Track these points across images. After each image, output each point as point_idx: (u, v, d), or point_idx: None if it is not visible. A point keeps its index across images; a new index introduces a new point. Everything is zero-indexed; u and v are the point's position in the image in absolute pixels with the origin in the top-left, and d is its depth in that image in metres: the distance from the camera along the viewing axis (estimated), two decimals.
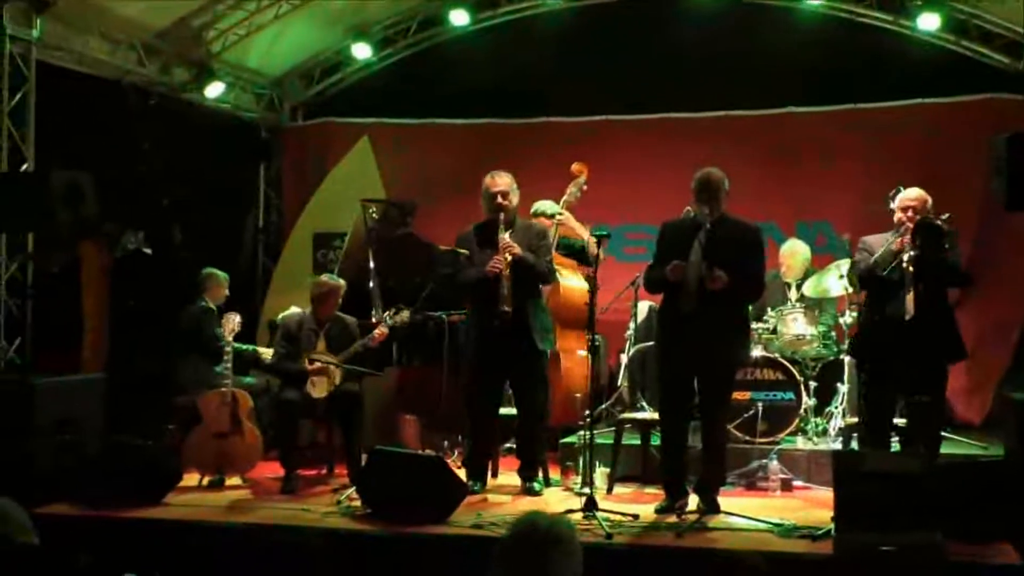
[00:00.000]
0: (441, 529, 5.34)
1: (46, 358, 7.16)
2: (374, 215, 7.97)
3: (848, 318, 6.92)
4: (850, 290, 6.62)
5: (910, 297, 5.48)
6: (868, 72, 8.61)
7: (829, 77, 8.63)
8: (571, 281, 7.32)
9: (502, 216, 6.25)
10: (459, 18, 9.28)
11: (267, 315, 8.72)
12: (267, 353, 7.50)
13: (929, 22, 8.47)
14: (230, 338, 6.81)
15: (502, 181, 6.30)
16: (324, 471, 6.99)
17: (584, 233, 7.34)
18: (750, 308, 6.20)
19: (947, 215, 5.68)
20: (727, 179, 5.77)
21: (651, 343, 6.96)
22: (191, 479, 6.55)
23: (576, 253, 7.40)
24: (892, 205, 5.97)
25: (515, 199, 6.33)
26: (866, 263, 5.72)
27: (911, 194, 5.78)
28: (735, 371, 6.01)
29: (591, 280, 5.96)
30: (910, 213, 5.67)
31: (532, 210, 7.37)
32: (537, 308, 6.38)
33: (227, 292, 7.63)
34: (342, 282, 6.88)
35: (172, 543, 5.42)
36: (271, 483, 6.65)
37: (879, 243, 5.76)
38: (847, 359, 6.89)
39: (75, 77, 7.68)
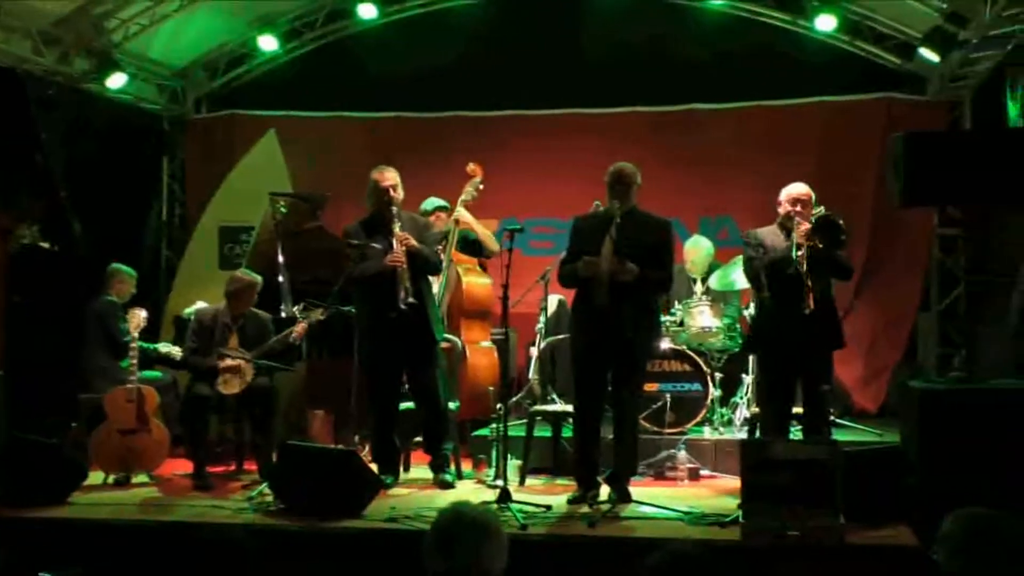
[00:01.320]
0: (356, 523, 5.34)
1: None
2: (282, 208, 7.90)
3: (752, 310, 7.11)
4: None
5: (809, 292, 5.65)
6: (768, 70, 8.83)
7: (731, 74, 8.84)
8: (472, 276, 7.41)
9: (394, 210, 6.30)
10: (367, 11, 9.23)
11: (172, 310, 8.59)
12: (171, 350, 7.39)
13: (826, 23, 8.73)
14: (136, 333, 6.70)
15: (391, 175, 6.38)
16: (233, 467, 6.92)
17: (481, 229, 7.43)
18: (659, 301, 6.33)
19: (821, 208, 5.88)
20: (639, 174, 5.88)
21: (561, 336, 7.08)
22: (96, 477, 6.42)
23: (470, 245, 7.48)
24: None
25: (402, 193, 6.39)
26: (762, 261, 5.85)
27: (800, 189, 5.93)
28: (647, 362, 6.13)
29: (501, 271, 6.00)
30: (799, 207, 5.83)
31: (424, 204, 7.42)
32: (431, 298, 6.49)
33: (134, 288, 7.50)
34: (259, 278, 6.83)
35: (81, 543, 5.30)
36: (179, 480, 6.57)
37: (767, 236, 5.92)
38: None
39: None
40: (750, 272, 5.99)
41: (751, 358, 7.01)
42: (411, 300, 6.21)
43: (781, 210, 5.92)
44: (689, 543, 2.96)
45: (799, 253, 5.68)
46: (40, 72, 8.05)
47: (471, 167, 7.34)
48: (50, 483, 5.84)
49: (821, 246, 5.67)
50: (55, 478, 5.89)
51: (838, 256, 5.81)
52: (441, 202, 7.49)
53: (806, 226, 5.75)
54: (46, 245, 8.35)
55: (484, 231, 7.50)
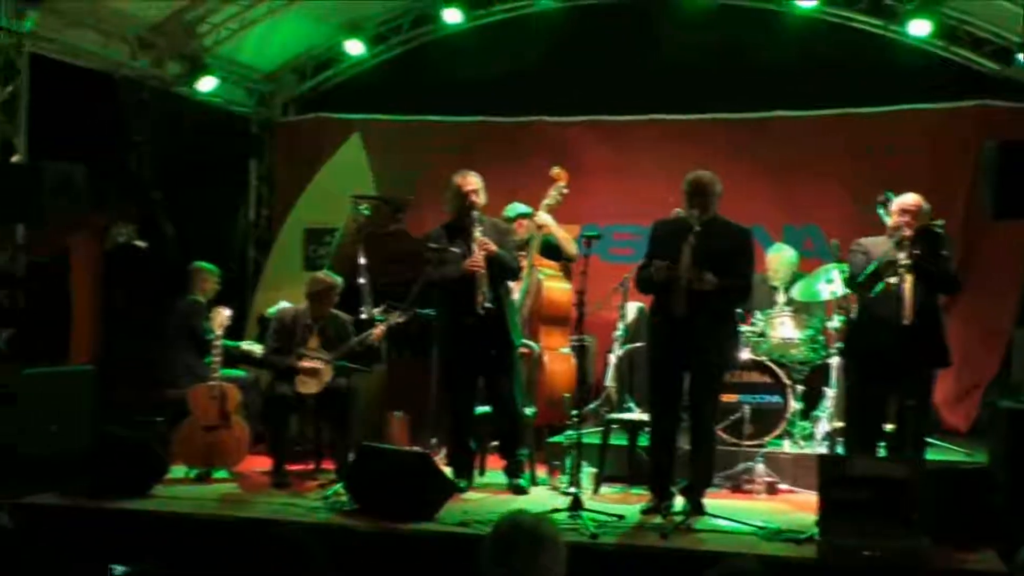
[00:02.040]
0: (428, 526, 5.36)
1: (35, 348, 7.14)
2: (365, 211, 7.98)
3: (836, 322, 6.95)
4: (838, 294, 6.64)
5: (908, 303, 5.50)
6: (858, 77, 8.62)
7: (819, 81, 8.63)
8: (554, 282, 7.39)
9: (475, 215, 6.30)
10: (452, 16, 9.28)
11: (257, 310, 8.73)
12: (254, 349, 7.51)
13: (920, 28, 8.49)
14: (219, 332, 6.82)
15: (474, 180, 6.38)
16: (311, 466, 7.00)
17: (562, 233, 7.41)
18: (739, 311, 6.23)
19: (941, 221, 5.72)
20: (718, 182, 5.79)
21: (639, 344, 7.01)
22: (178, 471, 6.55)
23: (552, 250, 7.46)
24: (880, 211, 6.01)
25: (484, 197, 6.38)
26: (861, 268, 5.74)
27: (909, 199, 5.79)
28: (724, 373, 6.04)
29: (574, 275, 5.96)
30: (907, 218, 5.68)
31: (506, 211, 7.41)
32: (510, 303, 6.48)
33: (217, 286, 7.64)
34: (339, 280, 6.90)
35: (160, 535, 5.43)
36: (258, 477, 6.67)
37: (874, 246, 5.79)
38: (834, 363, 6.91)
39: (68, 70, 7.67)
40: (850, 277, 5.86)
41: (833, 371, 6.84)
42: (488, 306, 6.20)
43: (891, 221, 5.79)
44: (750, 559, 2.89)
45: (901, 261, 5.53)
46: (135, 76, 8.26)
47: (555, 171, 7.32)
48: (134, 476, 5.99)
49: (916, 259, 5.51)
50: (139, 472, 6.04)
51: (942, 268, 5.63)
52: (524, 209, 7.48)
53: (908, 233, 5.61)
54: (141, 244, 8.58)
55: (564, 234, 7.48)
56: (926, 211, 5.75)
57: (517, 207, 7.50)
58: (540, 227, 7.32)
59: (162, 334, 7.50)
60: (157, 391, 7.28)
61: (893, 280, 5.58)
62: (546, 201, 7.28)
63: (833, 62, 8.64)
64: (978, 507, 5.02)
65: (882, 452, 5.90)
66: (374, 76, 9.77)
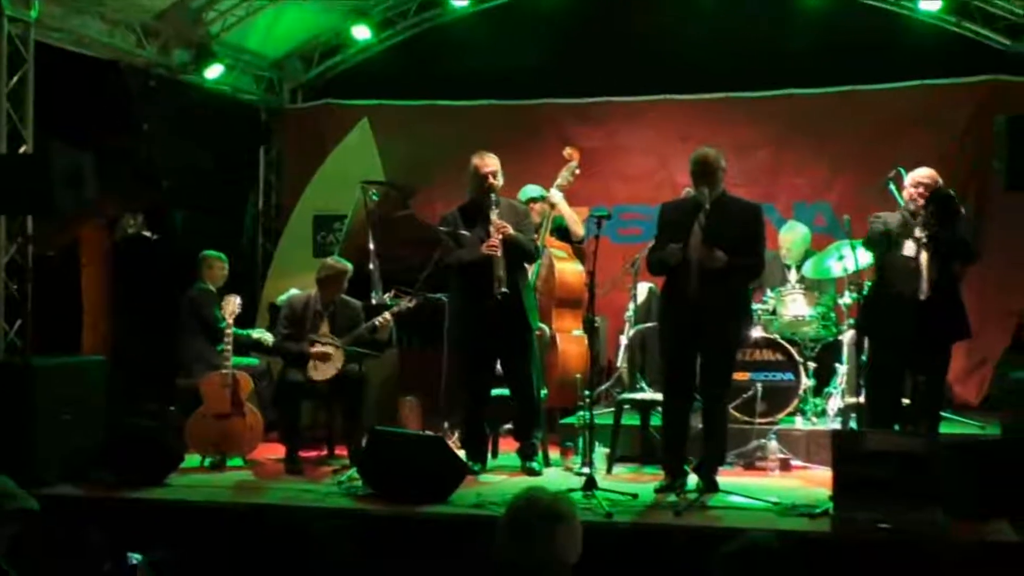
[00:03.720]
0: (442, 508, 5.36)
1: (46, 340, 7.17)
2: (374, 197, 7.98)
3: (847, 299, 6.94)
4: (849, 271, 6.62)
5: (926, 277, 5.49)
6: (869, 53, 8.57)
7: (830, 58, 8.59)
8: (566, 263, 7.37)
9: (493, 197, 6.28)
10: (458, 0, 9.25)
11: (267, 297, 8.74)
12: (265, 336, 7.53)
13: (931, 3, 8.44)
14: (230, 319, 6.83)
15: (492, 161, 6.35)
16: (324, 452, 7.02)
17: (569, 212, 7.39)
18: (750, 289, 6.22)
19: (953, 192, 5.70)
20: (723, 158, 5.77)
21: (651, 324, 7.00)
22: (192, 460, 6.57)
23: (561, 231, 7.45)
24: (891, 187, 5.99)
25: (502, 179, 6.37)
26: (879, 227, 5.76)
27: (923, 172, 5.79)
28: (736, 351, 6.03)
29: (585, 256, 5.95)
30: (921, 190, 5.68)
31: (520, 194, 7.40)
32: (526, 286, 6.47)
33: (226, 274, 7.65)
34: (349, 265, 6.90)
35: (176, 524, 5.45)
36: (272, 464, 6.69)
37: (892, 218, 5.80)
38: (846, 339, 6.91)
39: (74, 58, 7.66)
40: (871, 240, 5.87)
41: (845, 347, 6.83)
42: (504, 290, 6.17)
43: (905, 195, 5.79)
44: (769, 533, 2.88)
45: (918, 235, 5.52)
46: (142, 64, 8.25)
47: (568, 151, 7.30)
48: (149, 466, 6.01)
49: (931, 224, 5.46)
50: (154, 461, 6.05)
51: (958, 232, 5.60)
52: (536, 193, 7.44)
53: (921, 203, 5.60)
54: (149, 235, 8.59)
55: (572, 215, 7.46)
56: (940, 184, 5.73)
57: (529, 191, 7.48)
58: (552, 206, 7.30)
59: (173, 323, 7.52)
60: (169, 380, 7.31)
61: (910, 254, 5.56)
62: (558, 181, 7.27)
63: (843, 39, 8.58)
64: (991, 479, 5.00)
65: (896, 427, 5.88)
66: (381, 62, 9.75)
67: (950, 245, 5.61)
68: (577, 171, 7.25)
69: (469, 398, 6.47)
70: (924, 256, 5.53)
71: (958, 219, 5.57)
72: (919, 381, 5.78)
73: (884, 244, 5.72)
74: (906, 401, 5.97)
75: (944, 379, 6.00)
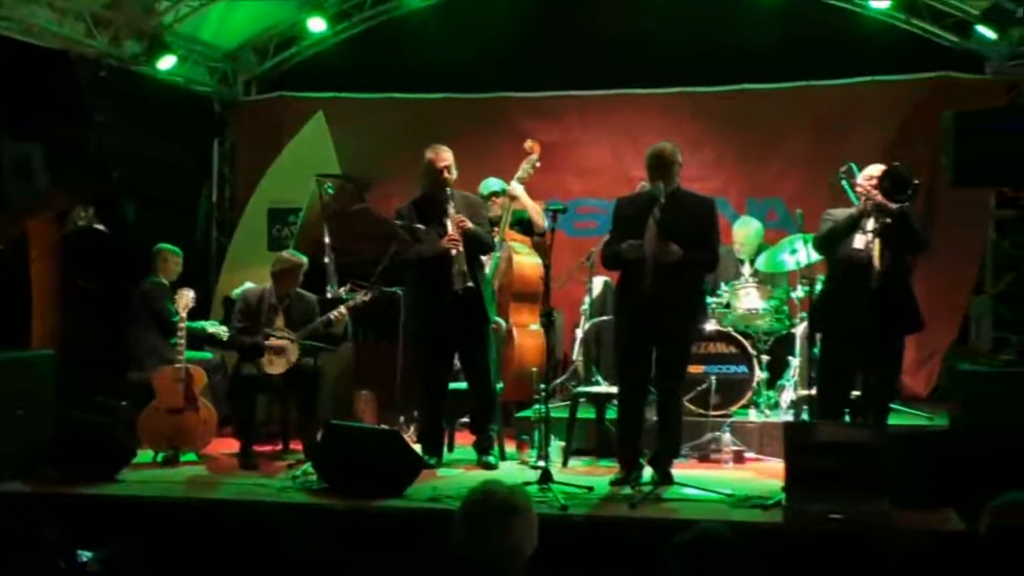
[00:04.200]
0: (398, 503, 5.36)
1: None
2: (330, 190, 7.94)
3: (800, 292, 7.01)
4: (802, 265, 6.70)
5: (877, 268, 5.56)
6: (820, 50, 8.65)
7: (783, 55, 8.67)
8: (525, 257, 7.38)
9: (448, 191, 6.28)
10: None
11: (221, 291, 8.68)
12: (218, 329, 7.47)
13: (881, 1, 8.54)
14: (184, 313, 6.77)
15: (447, 155, 6.35)
16: (279, 447, 6.98)
17: (532, 204, 7.41)
18: (705, 282, 6.27)
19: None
20: (679, 153, 5.81)
21: (606, 318, 7.04)
22: (145, 455, 6.51)
23: (523, 224, 7.46)
24: (843, 182, 6.06)
25: (455, 173, 6.38)
26: (828, 227, 5.80)
27: (877, 168, 5.80)
28: (691, 344, 6.09)
29: (545, 251, 5.97)
30: (874, 182, 5.72)
31: (482, 187, 7.40)
32: (483, 278, 6.49)
33: (180, 267, 7.58)
34: (304, 259, 6.86)
35: (129, 520, 5.39)
36: (226, 459, 6.64)
37: (844, 215, 5.84)
38: (798, 332, 6.99)
39: (23, 48, 7.53)
40: (819, 240, 5.92)
41: (798, 340, 6.92)
42: (470, 284, 6.20)
43: (859, 190, 5.85)
44: (722, 524, 2.92)
45: (869, 228, 5.58)
46: (92, 55, 8.13)
47: (529, 144, 7.31)
48: (100, 461, 5.93)
49: (890, 202, 5.51)
50: (105, 456, 5.97)
51: (910, 221, 5.65)
52: (498, 186, 7.44)
53: (877, 198, 5.62)
54: (101, 227, 8.47)
55: (534, 206, 7.47)
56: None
57: (491, 183, 7.48)
58: (513, 199, 7.31)
59: (125, 317, 7.43)
60: (121, 374, 7.22)
61: (860, 246, 5.63)
62: (519, 174, 7.27)
63: (795, 36, 8.66)
64: (939, 469, 5.09)
65: (847, 418, 5.97)
66: (336, 54, 9.70)
67: (903, 223, 5.60)
68: (538, 164, 7.27)
69: (426, 392, 6.48)
70: (876, 247, 5.59)
71: (914, 193, 5.59)
72: (870, 373, 5.84)
73: (835, 242, 5.77)
74: (856, 393, 6.05)
75: (898, 371, 6.09)
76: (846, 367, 5.84)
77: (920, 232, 5.83)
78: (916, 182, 5.55)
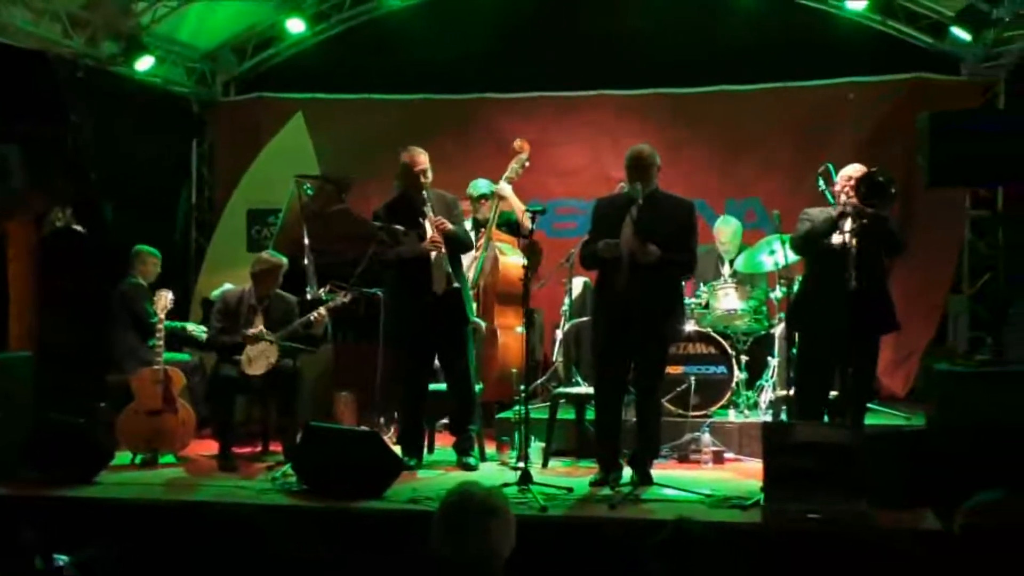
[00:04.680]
0: (377, 504, 5.36)
1: None
2: (309, 191, 7.92)
3: (779, 293, 7.05)
4: (780, 265, 6.74)
5: (854, 266, 5.57)
6: (797, 51, 8.70)
7: (760, 56, 8.71)
8: (511, 258, 7.38)
9: (426, 193, 6.29)
10: None
11: (200, 292, 8.64)
12: (197, 330, 7.44)
13: (857, 2, 8.60)
14: (162, 314, 6.75)
15: (423, 157, 6.36)
16: (259, 448, 6.96)
17: (519, 205, 7.41)
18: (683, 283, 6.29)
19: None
20: (657, 154, 5.83)
21: (586, 318, 7.05)
22: (123, 457, 6.48)
23: (510, 225, 7.47)
24: (820, 182, 6.10)
25: (431, 175, 6.38)
26: (805, 228, 5.82)
27: (854, 168, 5.84)
28: (669, 345, 6.10)
29: (528, 250, 5.98)
30: (853, 183, 5.74)
31: (471, 188, 7.40)
32: (464, 279, 6.51)
33: (159, 269, 7.55)
34: (284, 260, 6.85)
35: (107, 522, 5.36)
36: (205, 461, 6.62)
37: (821, 214, 5.86)
38: (777, 333, 7.03)
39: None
40: (796, 242, 5.92)
41: (777, 340, 6.95)
42: (456, 284, 6.21)
43: (837, 189, 5.87)
44: (697, 523, 2.94)
45: (847, 228, 5.59)
46: (69, 55, 8.08)
47: (518, 143, 7.31)
48: (77, 463, 5.91)
49: (868, 207, 5.53)
50: (83, 458, 5.95)
51: (888, 224, 5.68)
52: (487, 188, 7.44)
53: (854, 200, 5.63)
54: (79, 228, 8.42)
55: (521, 206, 7.46)
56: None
57: (481, 185, 7.48)
58: (501, 199, 7.31)
59: (103, 318, 7.39)
60: (99, 376, 7.19)
61: (836, 243, 5.65)
62: (507, 174, 7.29)
63: (773, 37, 8.71)
64: (916, 469, 5.13)
65: (825, 418, 6.00)
66: (315, 55, 9.67)
67: (879, 226, 5.63)
68: (527, 163, 7.27)
69: (407, 394, 6.48)
70: (852, 247, 5.62)
71: (891, 199, 5.62)
72: (847, 373, 5.88)
73: (813, 242, 5.80)
74: (834, 393, 6.09)
75: (873, 370, 6.12)
76: (824, 363, 5.86)
77: (897, 234, 5.87)
78: (893, 190, 5.58)
